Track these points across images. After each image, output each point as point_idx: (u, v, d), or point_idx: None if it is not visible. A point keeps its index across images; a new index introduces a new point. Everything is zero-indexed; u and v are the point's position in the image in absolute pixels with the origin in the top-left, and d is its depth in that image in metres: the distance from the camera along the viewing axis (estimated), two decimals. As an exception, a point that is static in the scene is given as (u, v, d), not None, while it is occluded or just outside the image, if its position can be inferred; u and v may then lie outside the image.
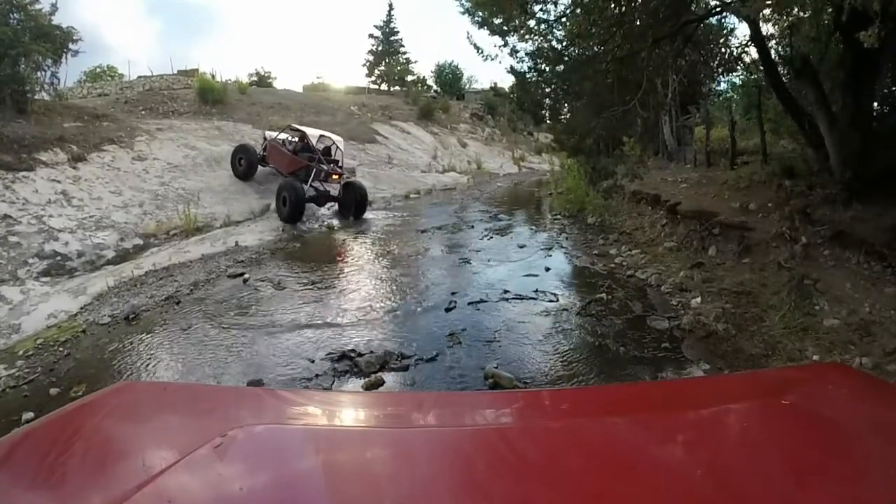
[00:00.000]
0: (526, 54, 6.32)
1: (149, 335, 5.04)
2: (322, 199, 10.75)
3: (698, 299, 5.04)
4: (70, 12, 37.92)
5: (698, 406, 1.13)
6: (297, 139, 11.77)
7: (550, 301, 5.32)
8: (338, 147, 11.46)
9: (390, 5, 41.62)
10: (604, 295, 5.35)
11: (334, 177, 10.80)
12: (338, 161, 11.34)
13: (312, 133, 11.47)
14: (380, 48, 39.77)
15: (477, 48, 6.57)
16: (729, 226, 6.27)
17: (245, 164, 11.89)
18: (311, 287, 6.19)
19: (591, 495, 0.78)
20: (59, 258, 7.65)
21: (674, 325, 4.60)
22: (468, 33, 6.68)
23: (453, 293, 5.65)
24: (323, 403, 1.22)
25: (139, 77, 22.53)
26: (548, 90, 7.09)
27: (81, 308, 5.99)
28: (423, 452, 0.90)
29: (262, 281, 6.34)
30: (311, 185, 10.52)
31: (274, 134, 12.25)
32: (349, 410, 1.17)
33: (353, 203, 10.88)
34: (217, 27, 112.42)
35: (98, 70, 31.04)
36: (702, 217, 6.69)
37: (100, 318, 5.58)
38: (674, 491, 0.78)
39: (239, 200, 11.47)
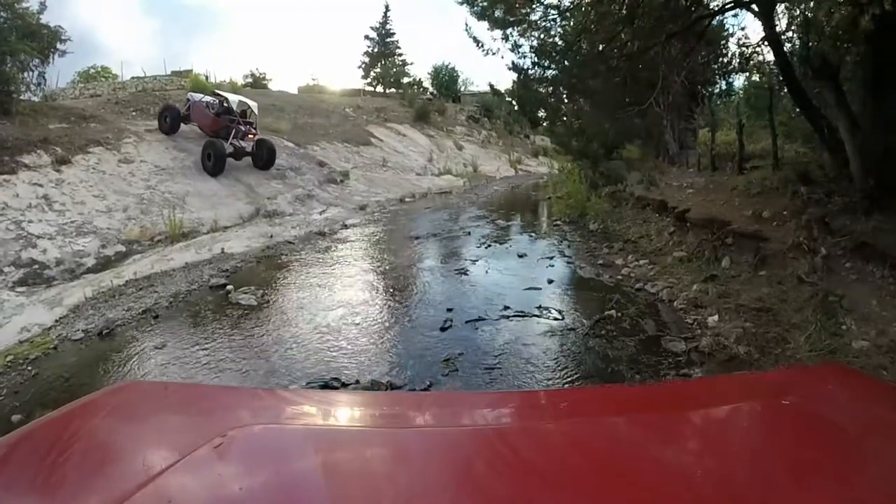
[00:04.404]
0: (530, 48, 5.92)
1: (121, 354, 4.70)
2: (239, 154, 12.61)
3: (715, 317, 4.64)
4: (68, 13, 37.58)
5: (699, 406, 1.12)
6: (219, 103, 13.27)
7: (555, 319, 4.89)
8: (252, 111, 13.43)
9: (386, 7, 41.57)
10: (613, 312, 4.92)
11: (250, 136, 12.87)
12: (252, 122, 13.30)
13: (233, 98, 13.34)
14: (375, 50, 39.58)
15: (476, 41, 6.20)
16: (743, 235, 5.90)
17: (169, 121, 13.41)
18: (295, 301, 5.80)
19: (590, 495, 0.77)
20: (36, 266, 7.37)
21: (691, 346, 4.19)
22: (467, 24, 6.32)
23: (449, 309, 5.22)
24: (323, 403, 1.21)
25: (133, 78, 22.42)
26: (552, 89, 6.70)
27: (56, 321, 5.68)
28: (423, 452, 0.90)
29: (246, 293, 5.94)
30: (230, 143, 12.30)
31: (198, 96, 13.92)
32: (349, 410, 1.16)
33: (264, 156, 13.03)
34: (214, 29, 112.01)
35: (92, 71, 30.74)
36: (713, 225, 6.31)
37: (73, 333, 5.26)
38: (674, 491, 0.77)
39: (227, 205, 11.14)
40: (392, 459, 0.89)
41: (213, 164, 11.89)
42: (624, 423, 1.02)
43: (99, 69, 31.17)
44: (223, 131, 12.56)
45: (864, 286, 4.72)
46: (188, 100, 13.94)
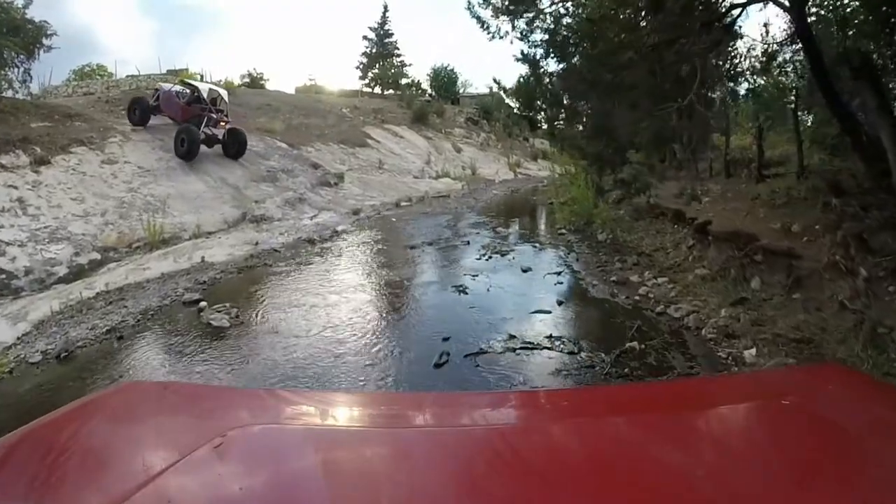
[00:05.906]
0: (543, 31, 5.29)
1: (75, 382, 4.19)
2: (211, 141, 12.53)
3: (752, 350, 4.02)
4: (65, 11, 37.37)
5: (699, 406, 1.12)
6: (189, 91, 13.17)
7: (570, 353, 4.22)
8: (223, 99, 13.41)
9: (385, 7, 41.22)
10: (635, 344, 4.26)
11: (221, 124, 12.78)
12: (223, 110, 13.22)
13: (203, 87, 13.50)
14: (374, 50, 39.23)
15: (480, 20, 5.61)
16: (773, 252, 5.31)
17: (139, 113, 13.08)
18: (270, 324, 5.18)
19: (591, 495, 0.76)
20: (3, 276, 6.89)
21: (729, 389, 3.62)
22: (469, 3, 5.72)
23: (445, 339, 4.54)
24: (323, 403, 1.21)
25: (127, 76, 22.24)
26: (567, 83, 6.09)
27: (18, 338, 5.21)
28: (423, 452, 0.89)
29: (219, 311, 5.35)
30: (202, 131, 12.13)
31: (168, 86, 13.75)
32: (349, 410, 1.16)
33: (235, 145, 12.91)
34: (213, 28, 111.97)
35: (87, 69, 30.58)
36: (738, 240, 5.69)
37: (32, 353, 4.74)
38: (674, 491, 0.75)
39: (212, 208, 10.56)
40: (392, 459, 0.88)
41: (187, 150, 11.72)
42: (624, 423, 1.01)
43: (94, 67, 31.12)
44: (194, 120, 12.37)
45: (911, 313, 4.17)
46: (156, 90, 13.69)
